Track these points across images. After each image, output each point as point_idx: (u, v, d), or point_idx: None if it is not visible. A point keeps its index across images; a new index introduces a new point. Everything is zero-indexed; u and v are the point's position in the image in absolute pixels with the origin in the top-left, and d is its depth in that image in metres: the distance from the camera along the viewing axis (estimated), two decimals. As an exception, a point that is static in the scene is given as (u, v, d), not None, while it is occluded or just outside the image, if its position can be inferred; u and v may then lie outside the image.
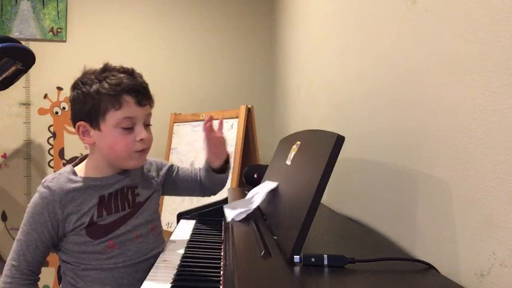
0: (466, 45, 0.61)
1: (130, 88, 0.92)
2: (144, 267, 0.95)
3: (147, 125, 0.99)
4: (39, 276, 0.96)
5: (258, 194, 0.95)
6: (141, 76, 0.99)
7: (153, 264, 0.94)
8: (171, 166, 1.16)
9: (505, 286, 0.53)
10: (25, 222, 0.94)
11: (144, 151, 0.98)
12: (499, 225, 0.54)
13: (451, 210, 0.64)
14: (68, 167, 0.99)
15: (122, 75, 0.94)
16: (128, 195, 1.00)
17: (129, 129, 0.94)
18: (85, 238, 0.92)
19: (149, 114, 0.99)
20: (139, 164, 1.00)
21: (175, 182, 1.15)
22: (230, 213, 0.92)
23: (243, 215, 0.90)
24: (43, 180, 0.96)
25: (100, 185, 0.97)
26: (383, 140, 0.92)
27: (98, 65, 1.00)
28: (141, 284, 0.82)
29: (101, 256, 0.93)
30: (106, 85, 0.92)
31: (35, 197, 0.94)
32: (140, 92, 0.94)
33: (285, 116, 2.27)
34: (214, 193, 1.20)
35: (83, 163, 1.02)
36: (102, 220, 0.94)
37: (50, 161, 2.67)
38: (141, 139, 0.94)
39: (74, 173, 0.97)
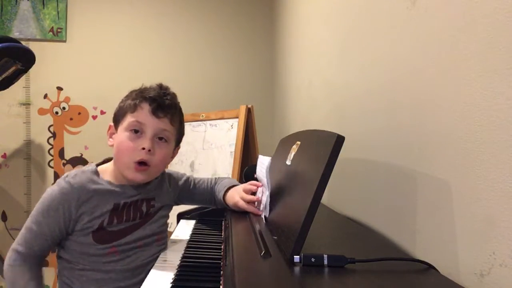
0: (466, 45, 0.61)
1: (150, 97, 0.96)
2: (142, 271, 0.96)
3: (161, 140, 0.97)
4: (42, 262, 0.97)
5: (262, 178, 0.99)
6: (170, 94, 1.00)
7: (151, 267, 0.94)
8: (188, 178, 1.17)
9: (505, 286, 0.53)
10: (39, 211, 0.93)
11: (147, 167, 0.95)
12: (499, 225, 0.54)
13: (451, 210, 0.64)
14: (92, 166, 1.00)
15: (153, 87, 1.00)
16: (142, 206, 1.00)
17: (137, 135, 0.95)
18: (90, 240, 0.92)
19: (165, 130, 0.97)
20: (137, 178, 0.96)
21: (190, 195, 1.16)
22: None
23: (266, 204, 0.95)
24: (65, 175, 0.96)
25: (118, 192, 0.97)
26: (383, 140, 0.92)
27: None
28: (137, 287, 0.82)
29: (100, 259, 0.93)
30: (134, 93, 0.99)
31: (54, 190, 0.94)
32: (157, 102, 0.96)
33: (285, 116, 2.27)
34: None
35: (107, 166, 1.02)
36: (110, 227, 0.94)
37: (50, 161, 2.67)
38: (143, 148, 0.93)
39: (97, 174, 0.98)
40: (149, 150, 0.94)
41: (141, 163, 0.94)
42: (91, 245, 0.92)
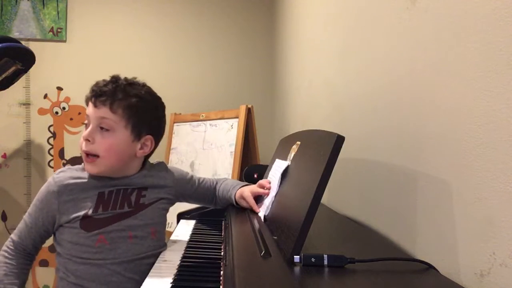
0: (466, 45, 0.61)
1: (92, 89, 0.99)
2: (134, 267, 0.95)
3: (102, 129, 0.96)
4: (33, 254, 1.03)
5: (273, 179, 0.98)
6: (114, 82, 0.98)
7: (146, 265, 0.94)
8: (191, 177, 1.17)
9: (505, 286, 0.53)
10: (32, 204, 1.01)
11: (95, 159, 0.96)
12: (499, 225, 0.54)
13: (451, 210, 0.64)
14: (83, 164, 1.04)
15: (104, 79, 1.01)
16: (131, 196, 1.01)
17: (87, 127, 0.98)
18: (78, 229, 0.95)
19: (104, 118, 0.95)
20: (89, 170, 0.98)
21: (193, 194, 1.16)
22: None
23: (268, 205, 0.95)
24: (57, 170, 1.03)
25: (101, 183, 0.99)
26: (383, 140, 0.92)
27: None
28: (130, 284, 0.83)
29: (91, 250, 0.94)
30: None
31: (44, 185, 1.01)
32: (95, 92, 0.97)
33: (285, 116, 2.27)
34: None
35: None
36: (97, 214, 0.96)
37: (50, 161, 2.67)
38: (83, 137, 0.97)
39: (83, 170, 1.02)
40: (88, 140, 0.96)
41: (89, 155, 0.97)
42: (80, 233, 0.95)
